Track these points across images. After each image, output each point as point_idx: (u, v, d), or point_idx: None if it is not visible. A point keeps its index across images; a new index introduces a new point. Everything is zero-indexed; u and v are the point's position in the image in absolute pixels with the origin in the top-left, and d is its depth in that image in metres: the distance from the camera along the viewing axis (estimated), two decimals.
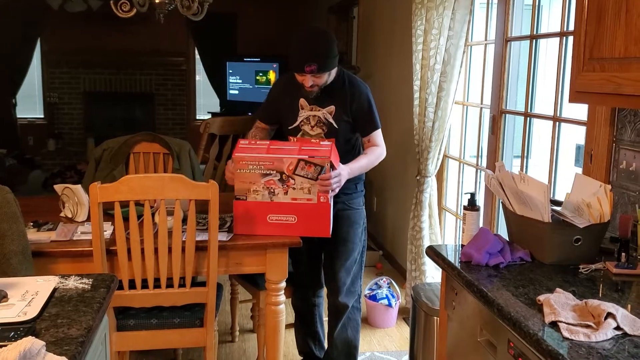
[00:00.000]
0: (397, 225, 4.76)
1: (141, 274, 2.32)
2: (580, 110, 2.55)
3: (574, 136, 3.00)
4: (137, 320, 2.45)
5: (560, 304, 1.49)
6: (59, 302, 1.55)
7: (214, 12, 4.29)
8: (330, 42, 2.57)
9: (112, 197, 2.22)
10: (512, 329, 1.50)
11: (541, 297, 1.54)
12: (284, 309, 2.57)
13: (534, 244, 1.92)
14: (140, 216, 2.28)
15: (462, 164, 3.83)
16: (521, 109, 3.08)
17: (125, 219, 2.25)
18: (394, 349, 3.44)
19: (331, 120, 2.65)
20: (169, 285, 2.37)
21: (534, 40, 2.96)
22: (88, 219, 2.51)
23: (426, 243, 3.72)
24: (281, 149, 2.43)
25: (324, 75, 2.57)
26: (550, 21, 4.01)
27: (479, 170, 3.55)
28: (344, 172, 2.50)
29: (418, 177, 3.73)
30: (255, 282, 2.89)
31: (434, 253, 2.05)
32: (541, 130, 3.65)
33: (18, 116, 8.45)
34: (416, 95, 3.68)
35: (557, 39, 2.72)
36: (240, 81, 7.96)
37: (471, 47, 3.69)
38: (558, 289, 1.59)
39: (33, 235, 2.33)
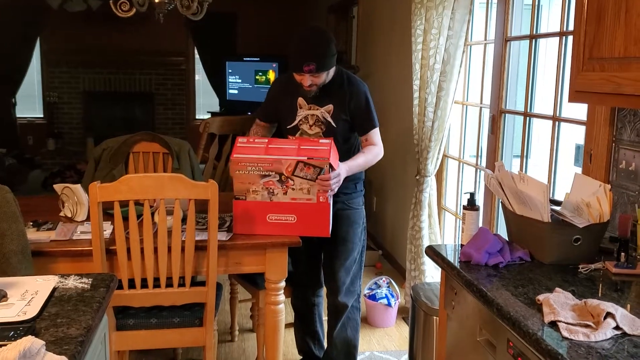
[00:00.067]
0: (396, 225, 4.76)
1: (141, 273, 2.32)
2: (579, 110, 2.54)
3: (574, 136, 3.01)
4: (137, 320, 2.45)
5: (559, 304, 1.49)
6: (59, 301, 1.55)
7: (213, 11, 4.29)
8: (329, 42, 2.57)
9: (112, 197, 2.22)
10: (512, 329, 1.50)
11: (540, 297, 1.54)
12: (283, 309, 2.57)
13: (533, 243, 1.92)
14: (139, 216, 2.28)
15: (461, 163, 3.82)
16: (521, 108, 3.08)
17: (125, 218, 2.24)
18: (393, 348, 3.44)
19: (329, 120, 2.65)
20: (169, 284, 2.37)
21: (534, 40, 2.96)
22: (88, 219, 2.50)
23: (425, 243, 3.72)
24: (280, 149, 2.41)
25: (322, 75, 2.56)
26: (550, 21, 4.01)
27: (478, 170, 3.55)
28: (343, 170, 2.50)
29: (417, 177, 3.73)
30: (254, 282, 2.89)
31: (434, 253, 2.05)
32: (541, 130, 3.65)
33: (18, 116, 8.45)
34: (416, 94, 3.68)
35: (557, 39, 2.72)
36: (240, 81, 7.95)
37: (471, 46, 3.69)
38: (557, 289, 1.59)
39: (33, 234, 2.32)
